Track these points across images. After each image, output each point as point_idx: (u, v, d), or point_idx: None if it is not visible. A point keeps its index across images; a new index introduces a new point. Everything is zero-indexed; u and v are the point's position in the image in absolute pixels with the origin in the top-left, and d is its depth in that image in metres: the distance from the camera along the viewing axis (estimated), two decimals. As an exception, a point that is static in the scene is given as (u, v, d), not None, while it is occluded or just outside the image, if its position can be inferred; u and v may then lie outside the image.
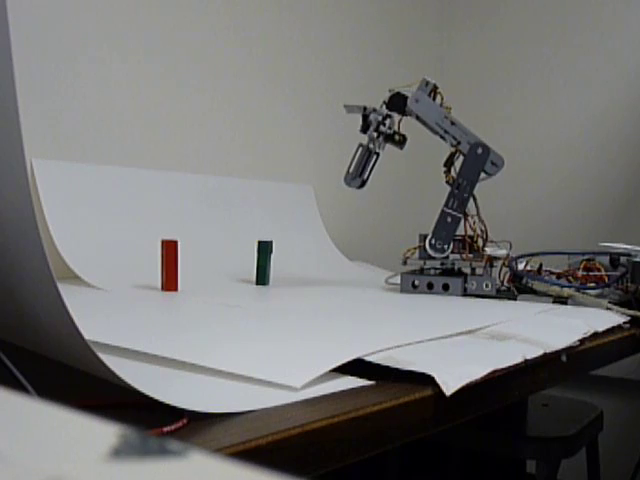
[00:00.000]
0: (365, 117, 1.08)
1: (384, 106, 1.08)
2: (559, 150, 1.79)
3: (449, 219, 1.04)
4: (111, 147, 1.21)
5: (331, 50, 1.67)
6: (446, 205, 1.05)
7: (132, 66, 1.25)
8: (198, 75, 1.37)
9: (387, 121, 1.07)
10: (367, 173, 1.09)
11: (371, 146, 1.08)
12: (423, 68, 1.95)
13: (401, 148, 1.10)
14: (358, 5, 1.75)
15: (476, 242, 1.06)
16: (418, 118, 1.07)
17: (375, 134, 1.07)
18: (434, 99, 1.07)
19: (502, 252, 1.04)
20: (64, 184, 1.10)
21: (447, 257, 1.04)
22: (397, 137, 1.08)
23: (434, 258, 1.05)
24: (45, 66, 1.12)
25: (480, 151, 1.05)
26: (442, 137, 1.08)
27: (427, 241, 1.04)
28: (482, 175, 1.07)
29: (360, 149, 1.09)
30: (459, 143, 1.06)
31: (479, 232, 1.06)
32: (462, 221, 1.06)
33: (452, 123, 1.06)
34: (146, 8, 1.27)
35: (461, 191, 1.05)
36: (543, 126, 1.82)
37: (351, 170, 1.08)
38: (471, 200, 1.07)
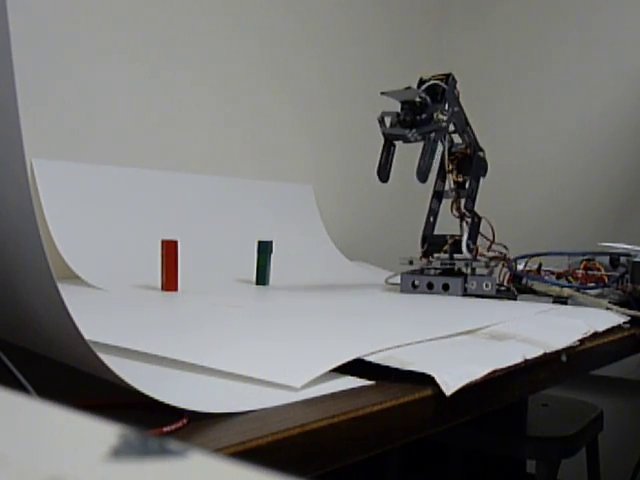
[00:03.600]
0: (425, 107, 0.99)
1: (424, 94, 0.99)
2: (559, 150, 1.79)
3: (476, 219, 1.05)
4: (111, 147, 1.21)
5: (331, 50, 1.67)
6: (466, 207, 1.06)
7: (132, 66, 1.25)
8: (198, 75, 1.37)
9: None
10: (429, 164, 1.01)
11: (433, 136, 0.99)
12: (423, 68, 1.95)
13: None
14: (358, 5, 1.75)
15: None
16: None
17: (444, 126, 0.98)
18: None
19: (497, 253, 1.04)
20: (64, 184, 1.10)
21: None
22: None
23: (462, 259, 1.04)
24: (45, 66, 1.12)
25: (482, 154, 1.06)
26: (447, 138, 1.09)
27: (464, 243, 1.04)
28: None
29: (426, 142, 0.99)
30: (470, 144, 1.06)
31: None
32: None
33: (467, 123, 1.07)
34: (146, 8, 1.27)
35: (472, 192, 1.06)
36: (543, 126, 1.82)
37: (422, 165, 0.98)
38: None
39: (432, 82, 1.01)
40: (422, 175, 0.98)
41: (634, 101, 1.69)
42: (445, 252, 1.05)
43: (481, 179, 1.08)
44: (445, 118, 0.98)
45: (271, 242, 1.11)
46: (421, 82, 1.02)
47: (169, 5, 1.31)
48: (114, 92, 1.22)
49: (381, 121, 1.02)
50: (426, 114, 0.99)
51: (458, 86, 1.05)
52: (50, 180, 1.08)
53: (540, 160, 1.82)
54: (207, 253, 1.20)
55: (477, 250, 1.05)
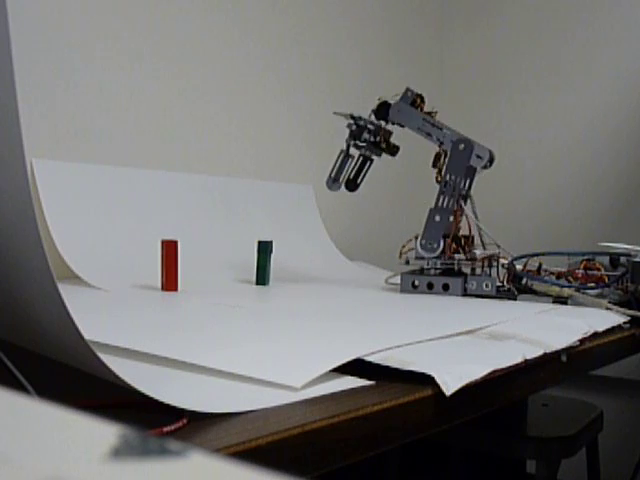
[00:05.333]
0: (357, 125, 1.13)
1: (372, 115, 1.13)
2: (559, 150, 1.79)
3: (437, 218, 1.05)
4: (111, 147, 1.21)
5: (331, 51, 1.67)
6: (436, 204, 1.06)
7: (132, 66, 1.25)
8: (198, 75, 1.37)
9: (375, 130, 1.13)
10: (361, 178, 1.15)
11: (367, 153, 1.14)
12: (423, 69, 1.95)
13: (392, 155, 1.16)
14: (359, 7, 1.75)
15: (465, 242, 1.06)
16: (401, 125, 1.13)
17: (365, 141, 1.13)
18: (417, 106, 1.12)
19: (490, 252, 1.04)
20: (64, 184, 1.10)
21: (439, 257, 1.05)
22: (383, 145, 1.14)
23: (425, 258, 1.05)
24: (45, 66, 1.12)
25: (462, 147, 1.06)
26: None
27: (418, 242, 1.05)
28: (477, 170, 1.07)
29: (360, 157, 1.15)
30: (442, 143, 1.07)
31: (473, 232, 1.06)
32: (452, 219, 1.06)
33: (433, 125, 1.08)
34: (146, 8, 1.27)
35: (449, 188, 1.06)
36: (543, 127, 1.82)
37: (333, 174, 1.15)
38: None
39: (382, 101, 1.13)
40: (328, 182, 1.16)
41: (634, 101, 1.69)
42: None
43: (480, 170, 1.08)
44: (368, 137, 1.13)
45: (271, 242, 1.11)
46: (378, 100, 1.14)
47: (170, 6, 1.31)
48: (114, 92, 1.22)
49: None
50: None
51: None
52: (50, 180, 1.08)
53: (540, 160, 1.82)
54: (207, 253, 1.20)
55: (467, 249, 1.05)
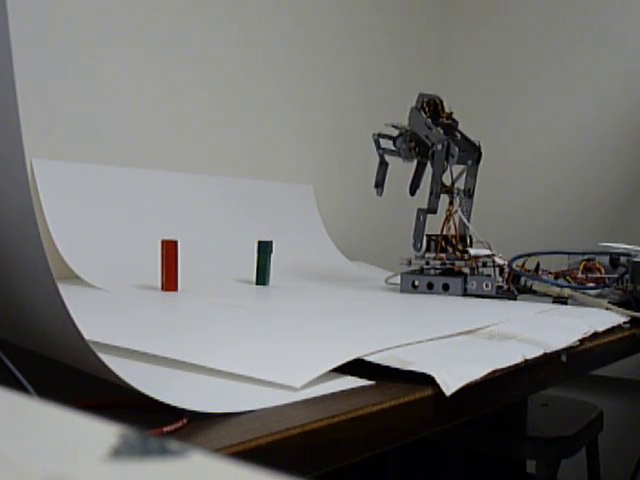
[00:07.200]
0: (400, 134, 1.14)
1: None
2: (559, 149, 1.79)
3: (421, 217, 1.06)
4: (111, 147, 1.21)
5: (331, 51, 1.67)
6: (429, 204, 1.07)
7: (132, 66, 1.25)
8: (198, 75, 1.37)
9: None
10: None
11: (420, 158, 1.14)
12: (423, 71, 1.95)
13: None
14: (360, 9, 1.75)
15: (451, 241, 1.06)
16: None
17: (416, 147, 1.13)
18: (428, 110, 1.11)
19: (485, 252, 1.04)
20: (64, 184, 1.10)
21: (423, 256, 1.06)
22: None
23: (419, 258, 1.06)
24: (45, 66, 1.12)
25: (439, 147, 1.06)
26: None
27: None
28: (462, 168, 1.09)
29: (419, 165, 1.17)
30: (432, 144, 1.08)
31: (458, 232, 1.06)
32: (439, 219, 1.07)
33: (429, 128, 1.08)
34: (147, 8, 1.27)
35: (433, 188, 1.06)
36: (543, 125, 1.82)
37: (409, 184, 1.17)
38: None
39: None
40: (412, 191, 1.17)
41: (634, 100, 1.69)
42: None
43: (470, 165, 1.09)
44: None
45: (271, 242, 1.11)
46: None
47: (170, 5, 1.31)
48: (114, 92, 1.22)
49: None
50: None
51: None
52: (50, 180, 1.08)
53: (540, 160, 1.82)
54: (207, 253, 1.20)
55: (458, 249, 1.05)
